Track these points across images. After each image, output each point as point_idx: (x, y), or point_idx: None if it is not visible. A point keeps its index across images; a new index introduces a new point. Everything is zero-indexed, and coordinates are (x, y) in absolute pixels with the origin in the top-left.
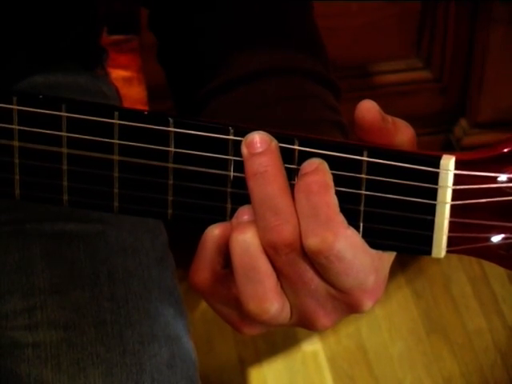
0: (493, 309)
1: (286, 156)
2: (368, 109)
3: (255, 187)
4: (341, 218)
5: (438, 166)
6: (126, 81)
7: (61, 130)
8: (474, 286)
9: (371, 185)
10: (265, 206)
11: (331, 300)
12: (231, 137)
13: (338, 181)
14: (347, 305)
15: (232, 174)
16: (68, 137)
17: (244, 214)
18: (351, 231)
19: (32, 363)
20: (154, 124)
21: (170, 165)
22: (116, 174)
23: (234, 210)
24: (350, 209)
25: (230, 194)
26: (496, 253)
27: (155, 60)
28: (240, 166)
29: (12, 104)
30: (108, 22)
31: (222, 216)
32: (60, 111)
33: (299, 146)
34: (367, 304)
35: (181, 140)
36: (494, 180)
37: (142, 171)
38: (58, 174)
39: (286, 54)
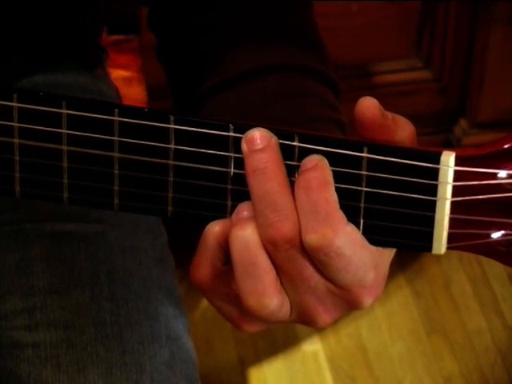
0: (493, 309)
1: (286, 153)
2: (368, 106)
3: (255, 183)
4: (340, 215)
5: (438, 162)
6: (126, 81)
7: (61, 128)
8: (474, 286)
9: (371, 181)
10: (264, 202)
11: (331, 296)
12: (231, 133)
13: (338, 177)
14: (347, 301)
15: (232, 170)
16: (68, 134)
17: (244, 210)
18: (351, 228)
19: (32, 363)
20: (154, 121)
21: (171, 162)
22: (116, 172)
23: (234, 207)
24: (350, 205)
25: (230, 190)
26: (496, 249)
27: (155, 60)
28: (240, 163)
29: (12, 101)
30: (108, 22)
31: (223, 213)
32: (60, 108)
33: (299, 142)
34: (367, 300)
35: (181, 137)
36: (494, 176)
37: (142, 168)
38: (59, 172)
39: (285, 52)
